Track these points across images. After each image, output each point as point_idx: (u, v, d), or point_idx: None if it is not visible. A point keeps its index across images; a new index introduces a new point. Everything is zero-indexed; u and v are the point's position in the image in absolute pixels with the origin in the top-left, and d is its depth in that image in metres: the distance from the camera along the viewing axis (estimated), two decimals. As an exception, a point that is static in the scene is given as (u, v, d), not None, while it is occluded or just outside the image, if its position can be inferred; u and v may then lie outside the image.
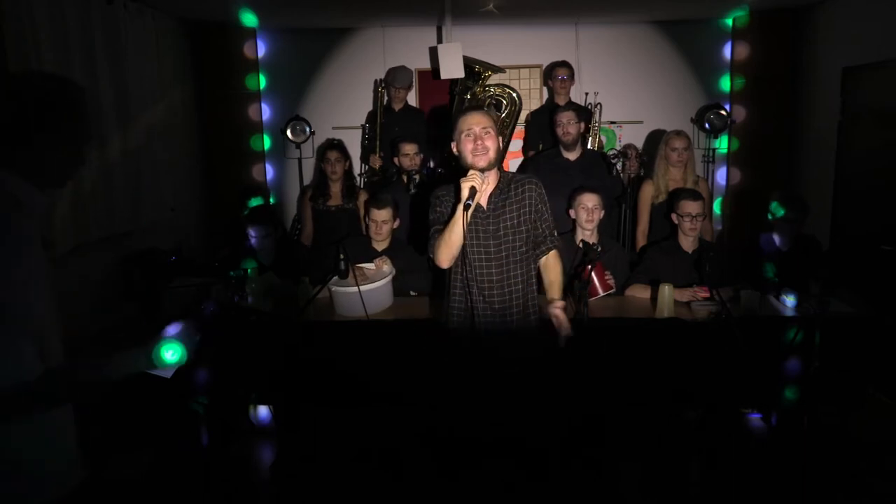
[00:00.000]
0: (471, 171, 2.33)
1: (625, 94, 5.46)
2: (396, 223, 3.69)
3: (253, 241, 3.69)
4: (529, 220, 2.48)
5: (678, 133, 4.01)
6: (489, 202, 2.46)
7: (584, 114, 4.78)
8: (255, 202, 4.56)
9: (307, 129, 5.21)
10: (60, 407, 1.43)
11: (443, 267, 2.47)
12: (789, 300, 3.16)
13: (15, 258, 1.29)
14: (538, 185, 2.51)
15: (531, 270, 2.54)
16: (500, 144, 2.45)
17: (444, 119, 5.08)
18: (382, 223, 3.60)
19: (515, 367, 2.49)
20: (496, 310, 2.48)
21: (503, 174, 2.53)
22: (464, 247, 2.39)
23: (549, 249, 2.55)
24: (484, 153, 2.38)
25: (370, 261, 3.55)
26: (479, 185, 2.30)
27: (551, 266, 2.57)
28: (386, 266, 3.48)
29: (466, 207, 2.28)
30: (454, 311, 2.54)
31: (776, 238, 3.62)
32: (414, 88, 5.41)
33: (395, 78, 4.98)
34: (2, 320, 1.27)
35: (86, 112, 1.49)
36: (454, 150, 2.47)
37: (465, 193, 2.29)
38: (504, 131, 5.04)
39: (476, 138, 2.38)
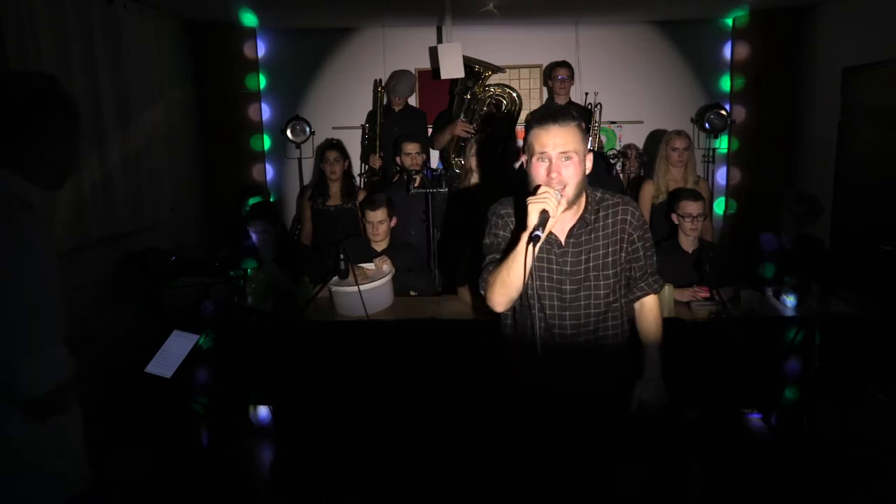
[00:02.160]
0: (542, 188, 1.72)
1: (625, 94, 5.46)
2: (393, 222, 3.68)
3: (254, 237, 3.69)
4: (621, 258, 1.91)
5: (678, 133, 4.01)
6: (569, 234, 1.88)
7: (584, 114, 4.79)
8: (254, 201, 4.58)
9: (307, 129, 5.21)
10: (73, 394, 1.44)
11: (497, 311, 1.88)
12: (789, 300, 3.16)
13: (22, 258, 1.29)
14: (635, 210, 1.92)
15: (622, 323, 1.96)
16: (587, 167, 1.84)
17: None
18: (379, 224, 3.60)
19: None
20: (567, 370, 1.94)
21: (590, 196, 1.91)
22: (530, 286, 1.79)
23: (644, 294, 2.00)
24: (559, 187, 1.75)
25: (370, 261, 3.55)
26: (554, 209, 1.69)
27: (645, 316, 2.00)
28: (386, 266, 3.48)
29: (534, 240, 1.64)
30: (510, 352, 2.02)
31: (782, 234, 3.61)
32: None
33: (398, 87, 4.96)
34: (9, 317, 1.28)
35: (78, 111, 1.49)
36: (524, 163, 1.88)
37: (532, 219, 1.67)
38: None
39: (551, 168, 1.77)
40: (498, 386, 2.06)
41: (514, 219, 1.91)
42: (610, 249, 1.89)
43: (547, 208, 1.67)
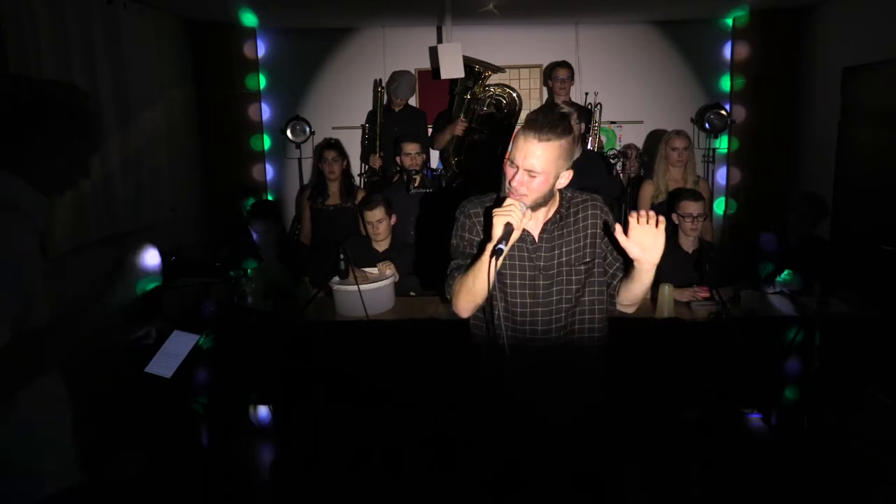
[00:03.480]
0: (508, 200, 1.75)
1: (625, 94, 5.46)
2: (393, 220, 3.68)
3: (254, 237, 3.69)
4: (589, 252, 1.91)
5: (678, 133, 4.02)
6: (543, 230, 1.90)
7: (584, 114, 4.79)
8: (252, 201, 4.59)
9: (307, 129, 5.21)
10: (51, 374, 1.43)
11: (462, 316, 1.91)
12: (784, 281, 3.18)
13: (5, 260, 1.30)
14: (602, 206, 1.94)
15: (590, 318, 1.94)
16: (562, 183, 1.83)
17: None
18: (378, 223, 3.60)
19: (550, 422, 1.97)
20: (540, 366, 1.93)
21: (563, 195, 1.94)
22: (501, 284, 1.84)
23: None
24: (517, 195, 1.78)
25: (371, 261, 3.55)
26: (518, 222, 1.72)
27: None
28: (389, 270, 3.47)
29: (496, 253, 1.67)
30: (483, 352, 1.99)
31: (789, 235, 3.61)
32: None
33: (399, 89, 4.96)
34: None
35: (91, 122, 1.49)
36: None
37: (496, 231, 1.70)
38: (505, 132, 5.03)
39: (516, 177, 1.78)
40: (473, 392, 2.06)
41: (482, 219, 1.91)
42: (581, 244, 1.91)
43: (511, 221, 1.70)
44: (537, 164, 1.75)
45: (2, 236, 1.30)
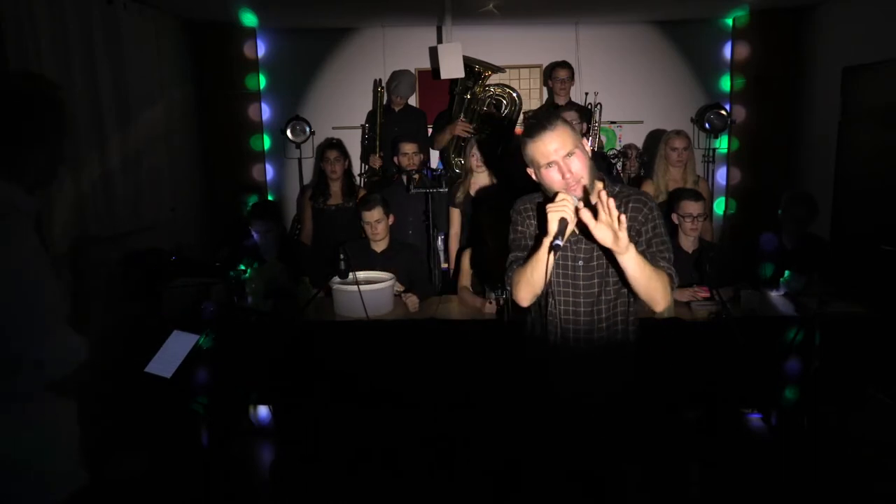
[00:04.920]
0: (560, 195, 1.78)
1: (625, 94, 5.45)
2: (391, 220, 3.68)
3: (255, 237, 3.69)
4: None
5: (678, 133, 4.01)
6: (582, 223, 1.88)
7: (585, 114, 4.79)
8: (254, 200, 4.59)
9: (307, 129, 5.21)
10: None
11: (523, 305, 1.99)
12: (787, 282, 3.18)
13: (8, 260, 1.30)
14: (647, 201, 1.95)
15: (628, 311, 2.01)
16: (590, 152, 1.90)
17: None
18: (376, 223, 3.60)
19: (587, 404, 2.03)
20: (582, 357, 2.00)
21: (608, 188, 1.94)
22: (550, 284, 1.91)
23: None
24: (576, 184, 1.84)
25: (370, 263, 3.56)
26: (572, 216, 1.74)
27: None
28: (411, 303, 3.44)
29: (554, 248, 1.71)
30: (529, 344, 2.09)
31: (783, 235, 3.62)
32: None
33: (399, 87, 4.96)
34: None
35: (62, 108, 1.48)
36: (533, 177, 1.93)
37: (552, 227, 1.73)
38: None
39: (562, 171, 1.83)
40: (513, 387, 2.12)
41: (532, 213, 1.99)
42: None
43: (565, 216, 1.74)
44: (566, 144, 1.82)
45: (5, 240, 1.30)
